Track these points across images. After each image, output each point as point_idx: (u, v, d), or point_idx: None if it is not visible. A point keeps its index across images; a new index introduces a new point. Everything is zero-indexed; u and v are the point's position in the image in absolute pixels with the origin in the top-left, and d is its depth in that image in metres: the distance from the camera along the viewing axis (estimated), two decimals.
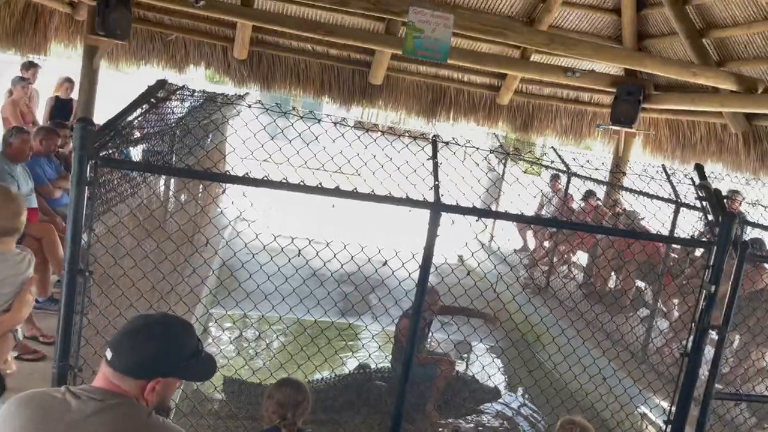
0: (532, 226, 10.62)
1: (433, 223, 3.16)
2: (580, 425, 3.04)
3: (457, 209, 3.18)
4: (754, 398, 4.63)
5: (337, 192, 3.15)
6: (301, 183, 3.05)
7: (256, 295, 3.92)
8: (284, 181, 3.05)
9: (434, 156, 3.38)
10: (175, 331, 1.93)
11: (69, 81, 9.19)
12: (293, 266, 3.70)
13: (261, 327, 6.32)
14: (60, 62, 10.34)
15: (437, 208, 3.14)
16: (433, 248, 3.23)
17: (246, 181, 2.99)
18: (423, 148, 3.61)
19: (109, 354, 1.85)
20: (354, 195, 3.16)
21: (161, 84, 3.09)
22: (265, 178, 3.02)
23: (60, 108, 9.00)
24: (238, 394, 5.09)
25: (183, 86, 3.69)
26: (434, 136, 3.42)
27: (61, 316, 3.03)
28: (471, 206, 3.26)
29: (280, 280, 3.83)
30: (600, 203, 9.10)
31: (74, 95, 9.05)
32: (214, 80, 14.38)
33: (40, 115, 9.08)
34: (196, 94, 4.45)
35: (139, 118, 3.68)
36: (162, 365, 1.85)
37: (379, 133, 4.44)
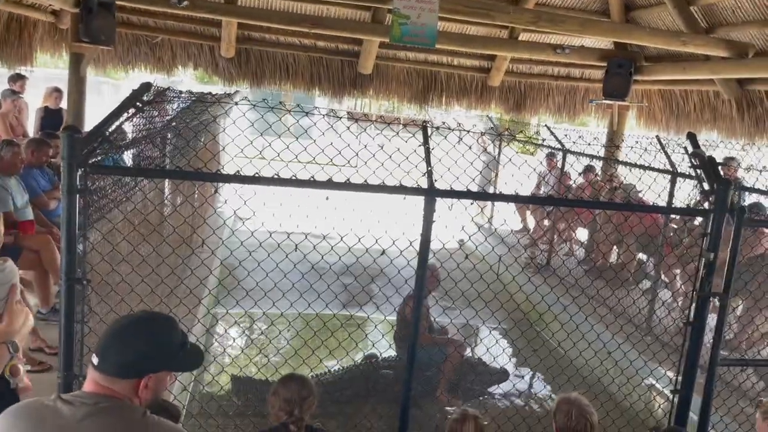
0: (529, 205, 10.63)
1: (429, 210, 3.15)
2: (577, 403, 3.04)
3: (452, 194, 3.17)
4: (760, 363, 4.64)
5: (329, 184, 3.14)
6: (293, 177, 3.04)
7: (256, 292, 3.92)
8: (276, 176, 3.04)
9: (426, 142, 3.37)
10: (158, 327, 1.93)
11: (57, 91, 9.15)
12: (291, 261, 3.70)
13: (264, 324, 6.34)
14: (47, 72, 10.31)
15: (431, 193, 3.13)
16: (430, 234, 3.22)
17: (237, 179, 2.98)
18: (414, 135, 3.60)
19: (95, 359, 1.84)
20: (347, 186, 3.15)
21: (146, 87, 3.07)
22: (257, 175, 3.00)
23: (50, 118, 8.96)
24: (245, 392, 5.10)
25: (168, 88, 3.67)
26: (425, 121, 3.41)
27: (61, 326, 3.03)
28: (465, 190, 3.26)
29: (279, 276, 3.84)
30: (598, 178, 9.07)
31: (63, 105, 9.02)
32: (203, 80, 14.33)
33: (31, 126, 9.04)
34: (183, 95, 4.42)
35: (128, 123, 3.67)
36: (151, 362, 1.85)
37: (370, 122, 4.43)
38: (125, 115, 3.02)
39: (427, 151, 3.30)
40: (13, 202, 5.47)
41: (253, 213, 3.83)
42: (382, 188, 3.16)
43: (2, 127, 8.17)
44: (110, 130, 2.97)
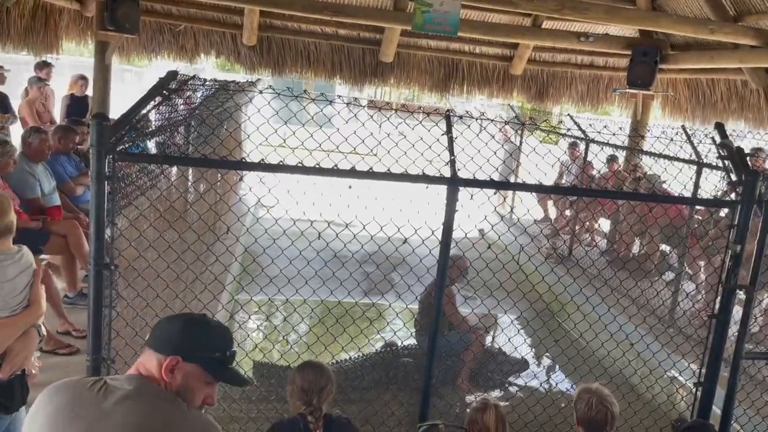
0: (552, 195, 10.55)
1: (451, 199, 3.15)
2: (597, 393, 3.03)
3: (474, 183, 3.17)
4: None
5: (353, 173, 3.15)
6: (317, 166, 3.06)
7: (280, 279, 3.95)
8: (300, 164, 3.06)
9: (449, 131, 3.36)
10: (207, 322, 1.95)
11: (83, 78, 9.27)
12: (314, 249, 3.72)
13: (286, 310, 6.39)
14: (73, 60, 10.43)
15: (454, 183, 3.13)
16: (453, 223, 3.22)
17: (262, 167, 3.01)
18: (437, 124, 3.58)
19: (148, 335, 1.90)
20: (370, 175, 3.16)
21: (172, 75, 3.10)
22: (281, 163, 3.02)
23: (76, 105, 9.10)
24: (268, 377, 5.16)
25: (194, 76, 3.70)
26: (448, 110, 3.39)
27: (90, 310, 3.09)
28: (488, 179, 3.25)
29: (302, 264, 3.86)
30: (620, 168, 8.97)
31: (89, 92, 9.14)
32: (225, 68, 14.39)
33: (57, 113, 9.17)
34: (207, 83, 4.45)
35: (154, 111, 3.71)
36: (183, 343, 1.84)
37: (393, 111, 4.42)
38: (152, 103, 3.06)
39: (450, 140, 3.30)
40: (40, 188, 5.58)
41: (277, 201, 3.85)
42: (405, 177, 3.16)
43: (29, 113, 8.30)
44: (137, 118, 3.01)
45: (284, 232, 3.56)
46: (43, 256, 5.45)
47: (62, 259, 5.51)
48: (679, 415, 3.32)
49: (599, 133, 8.46)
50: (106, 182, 2.91)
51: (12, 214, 2.93)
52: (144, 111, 3.05)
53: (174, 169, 4.69)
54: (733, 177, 3.25)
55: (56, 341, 4.74)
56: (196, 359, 1.86)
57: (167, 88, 3.10)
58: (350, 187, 3.20)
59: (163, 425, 1.76)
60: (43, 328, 3.02)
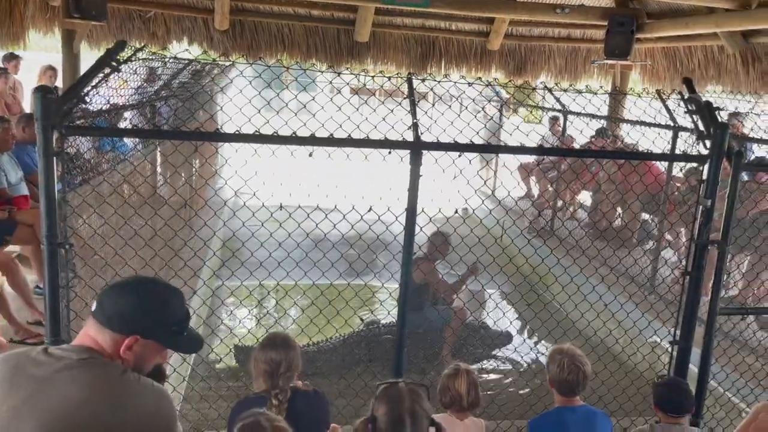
0: (534, 172, 10.50)
1: (415, 163, 3.07)
2: (569, 354, 2.98)
3: (438, 146, 3.09)
4: (760, 310, 4.55)
5: (313, 140, 3.05)
6: (275, 134, 2.97)
7: (252, 264, 3.88)
8: (257, 133, 2.97)
9: (411, 94, 3.27)
10: (162, 292, 1.88)
11: (51, 69, 9.09)
12: (286, 231, 3.65)
13: (261, 294, 6.31)
14: (41, 55, 10.23)
15: (417, 146, 3.05)
16: (418, 190, 3.14)
17: (218, 137, 2.92)
18: (401, 103, 3.49)
19: (94, 305, 1.82)
20: (331, 141, 3.07)
21: (121, 45, 2.99)
22: (237, 132, 2.93)
23: None
24: (245, 362, 5.09)
25: (143, 46, 3.58)
26: (410, 73, 3.31)
27: (46, 292, 3.00)
28: (452, 142, 3.16)
29: (278, 250, 3.79)
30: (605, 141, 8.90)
31: (59, 83, 8.95)
32: (201, 57, 14.18)
33: (28, 107, 8.99)
34: (165, 58, 4.33)
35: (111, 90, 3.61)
36: (142, 322, 1.79)
37: (372, 95, 4.34)
38: (101, 75, 2.95)
39: (413, 104, 3.21)
40: (6, 178, 5.45)
41: (254, 193, 3.79)
42: (367, 142, 3.08)
43: None
44: (86, 90, 2.90)
45: (262, 224, 3.46)
46: (12, 248, 5.35)
47: (31, 249, 5.38)
48: (656, 375, 3.28)
49: (585, 108, 8.35)
50: (54, 158, 2.82)
51: None
52: (94, 83, 2.94)
53: (138, 152, 4.58)
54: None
55: (25, 330, 4.65)
56: (155, 336, 1.82)
57: (116, 59, 2.99)
58: (310, 154, 3.10)
59: (103, 398, 1.70)
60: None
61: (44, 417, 1.64)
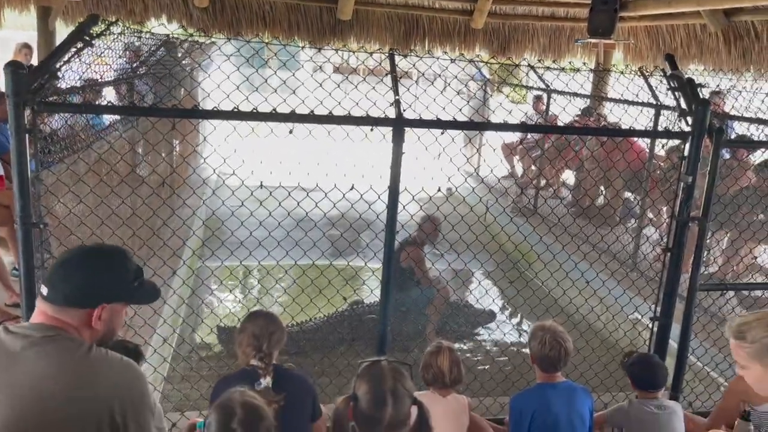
0: (517, 150, 10.51)
1: (398, 140, 3.05)
2: (551, 330, 3.00)
3: (420, 123, 3.06)
4: (739, 286, 4.60)
5: (293, 117, 3.01)
6: (254, 110, 2.92)
7: (233, 244, 3.84)
8: (236, 110, 2.92)
9: (393, 70, 3.23)
10: (109, 256, 1.88)
11: (27, 47, 8.85)
12: (267, 210, 3.60)
13: (243, 275, 6.28)
14: (17, 34, 9.98)
15: (399, 123, 3.02)
16: (400, 167, 3.12)
17: (197, 113, 2.87)
18: (382, 79, 3.44)
19: (44, 290, 1.78)
20: (313, 118, 3.04)
21: (93, 19, 2.91)
22: (215, 109, 2.88)
23: None
24: (227, 342, 5.07)
25: (116, 20, 3.49)
26: (392, 49, 3.26)
27: (21, 272, 2.95)
28: (435, 119, 3.14)
29: (259, 229, 3.75)
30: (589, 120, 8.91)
31: (34, 61, 8.74)
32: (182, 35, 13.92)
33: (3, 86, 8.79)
34: (138, 33, 4.23)
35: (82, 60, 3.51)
36: (104, 290, 1.80)
37: (356, 74, 4.27)
38: (73, 49, 2.87)
39: (395, 80, 3.17)
40: None
41: (233, 171, 3.75)
42: (349, 119, 3.05)
43: None
44: (58, 65, 2.83)
45: (242, 203, 3.42)
46: None
47: (7, 230, 5.29)
48: (623, 354, 3.30)
49: (567, 86, 8.33)
50: (26, 135, 2.75)
51: None
52: (66, 57, 2.86)
53: (115, 131, 4.49)
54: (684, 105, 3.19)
55: (3, 312, 4.59)
56: (118, 298, 1.84)
57: (89, 33, 2.91)
58: (291, 131, 3.05)
59: (72, 374, 1.69)
60: None
61: (14, 393, 1.62)
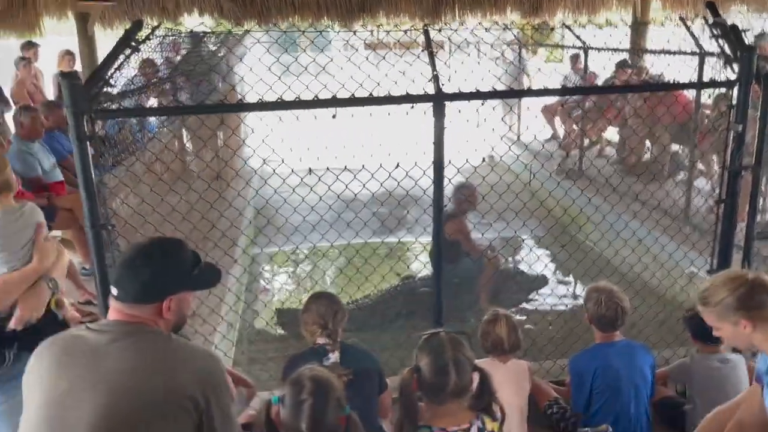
0: (558, 112, 10.33)
1: (439, 116, 3.08)
2: (606, 290, 3.02)
3: (459, 96, 3.08)
4: None
5: (335, 101, 3.08)
6: (297, 99, 3.00)
7: (288, 230, 3.96)
8: (280, 101, 3.00)
9: (429, 46, 3.25)
10: (166, 249, 1.97)
11: (69, 53, 9.18)
12: (317, 195, 3.69)
13: (298, 259, 6.42)
14: (55, 39, 10.28)
15: (439, 98, 3.05)
16: (443, 142, 3.15)
17: (240, 107, 2.97)
18: (419, 56, 3.45)
19: (114, 291, 1.89)
20: (353, 101, 3.09)
21: (138, 25, 3.02)
22: (260, 101, 2.97)
23: None
24: (288, 324, 5.23)
25: (159, 24, 3.61)
26: (425, 25, 3.29)
27: (96, 273, 3.12)
28: (474, 90, 3.15)
29: (311, 214, 3.85)
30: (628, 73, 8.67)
31: (77, 66, 9.03)
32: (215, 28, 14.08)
33: (50, 93, 9.12)
34: (181, 34, 4.35)
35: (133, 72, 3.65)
36: (168, 283, 1.89)
37: (388, 49, 4.30)
38: (122, 56, 2.99)
39: (431, 55, 3.20)
40: (40, 166, 5.60)
41: (282, 160, 3.84)
42: (389, 99, 3.09)
43: (21, 94, 8.26)
44: (109, 72, 2.96)
45: (293, 190, 3.52)
46: (55, 233, 5.51)
47: (72, 233, 5.56)
48: (685, 309, 3.28)
49: (604, 43, 8.10)
50: (88, 143, 2.90)
51: (9, 171, 2.91)
52: (116, 64, 2.99)
53: (166, 129, 4.65)
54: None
55: (77, 309, 4.83)
56: (183, 287, 1.94)
57: (135, 39, 3.03)
58: (334, 116, 3.13)
59: (159, 364, 1.80)
60: (59, 284, 3.01)
61: (105, 388, 1.71)
